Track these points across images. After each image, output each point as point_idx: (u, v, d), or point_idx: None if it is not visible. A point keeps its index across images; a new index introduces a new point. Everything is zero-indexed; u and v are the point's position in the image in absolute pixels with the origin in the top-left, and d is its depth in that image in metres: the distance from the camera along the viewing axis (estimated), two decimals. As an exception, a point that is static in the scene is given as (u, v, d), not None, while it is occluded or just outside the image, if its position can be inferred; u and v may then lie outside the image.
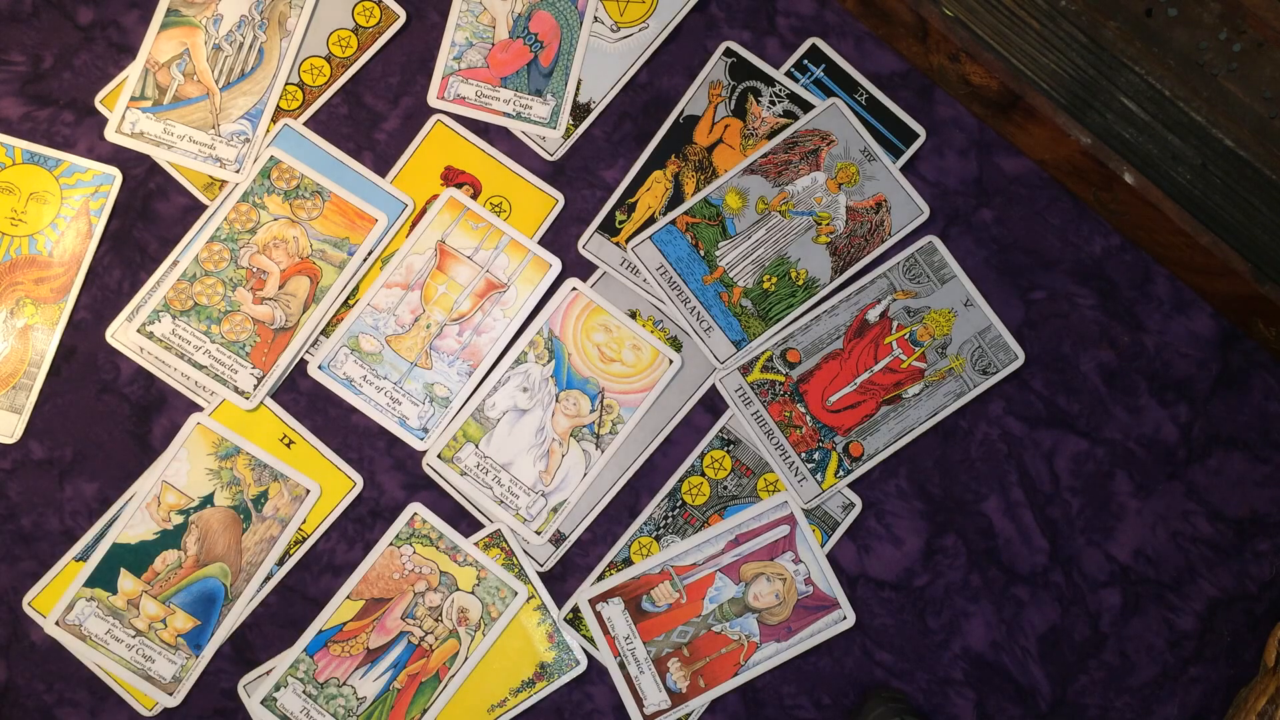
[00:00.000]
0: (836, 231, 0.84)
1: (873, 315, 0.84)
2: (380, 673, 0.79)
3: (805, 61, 0.87)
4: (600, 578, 0.82)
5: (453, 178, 0.86)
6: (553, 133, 0.86)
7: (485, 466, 0.81)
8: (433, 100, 0.85)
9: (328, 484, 0.82)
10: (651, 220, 0.85)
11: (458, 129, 0.86)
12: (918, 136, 0.87)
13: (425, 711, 0.79)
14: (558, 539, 0.83)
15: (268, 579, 0.81)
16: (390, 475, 0.84)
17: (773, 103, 0.86)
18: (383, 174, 0.85)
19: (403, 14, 0.86)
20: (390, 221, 0.83)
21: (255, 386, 0.81)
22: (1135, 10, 0.82)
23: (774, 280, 0.84)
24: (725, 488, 0.83)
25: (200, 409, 0.83)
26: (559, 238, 0.86)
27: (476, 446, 0.81)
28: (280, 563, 0.81)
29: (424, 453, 0.82)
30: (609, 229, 0.85)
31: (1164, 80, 0.82)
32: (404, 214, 0.84)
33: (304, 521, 0.81)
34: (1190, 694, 0.84)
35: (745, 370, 0.83)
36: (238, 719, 0.81)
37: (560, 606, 0.82)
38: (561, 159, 0.87)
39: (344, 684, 0.79)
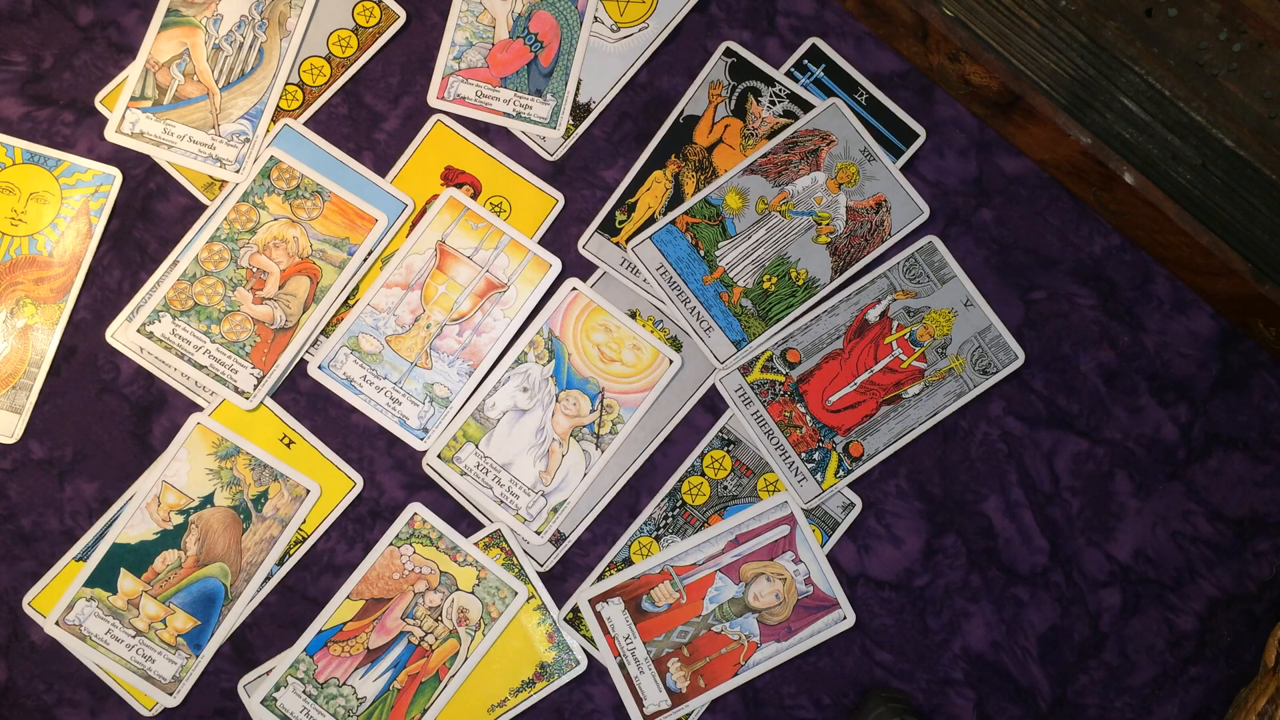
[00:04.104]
0: (836, 231, 0.84)
1: (873, 315, 0.84)
2: (380, 673, 0.79)
3: (805, 61, 0.87)
4: (600, 578, 0.82)
5: (453, 178, 0.86)
6: (553, 133, 0.86)
7: (485, 466, 0.81)
8: (433, 100, 0.85)
9: (328, 484, 0.82)
10: (651, 220, 0.85)
11: (458, 129, 0.86)
12: (918, 136, 0.87)
13: (425, 711, 0.79)
14: (558, 539, 0.83)
15: (268, 579, 0.81)
16: (390, 475, 0.84)
17: (773, 103, 0.86)
18: (383, 174, 0.85)
19: (403, 14, 0.86)
20: (390, 221, 0.83)
21: (255, 386, 0.81)
22: (1135, 10, 0.82)
23: (774, 280, 0.84)
24: (725, 488, 0.83)
25: (200, 409, 0.83)
26: (559, 238, 0.86)
27: (476, 446, 0.81)
28: (280, 563, 0.81)
29: (424, 453, 0.82)
30: (609, 229, 0.85)
31: (1164, 80, 0.82)
32: (404, 214, 0.84)
33: (304, 521, 0.81)
34: (1190, 694, 0.84)
35: (745, 370, 0.83)
36: (238, 719, 0.81)
37: (560, 606, 0.82)
38: (561, 159, 0.87)
39: (344, 684, 0.79)
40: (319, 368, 0.82)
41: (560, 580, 0.83)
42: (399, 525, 0.81)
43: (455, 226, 0.84)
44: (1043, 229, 0.87)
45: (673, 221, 0.84)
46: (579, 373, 0.83)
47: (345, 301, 0.83)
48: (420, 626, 0.80)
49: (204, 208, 0.85)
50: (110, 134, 0.83)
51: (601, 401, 0.82)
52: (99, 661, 0.79)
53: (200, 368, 0.81)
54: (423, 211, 0.85)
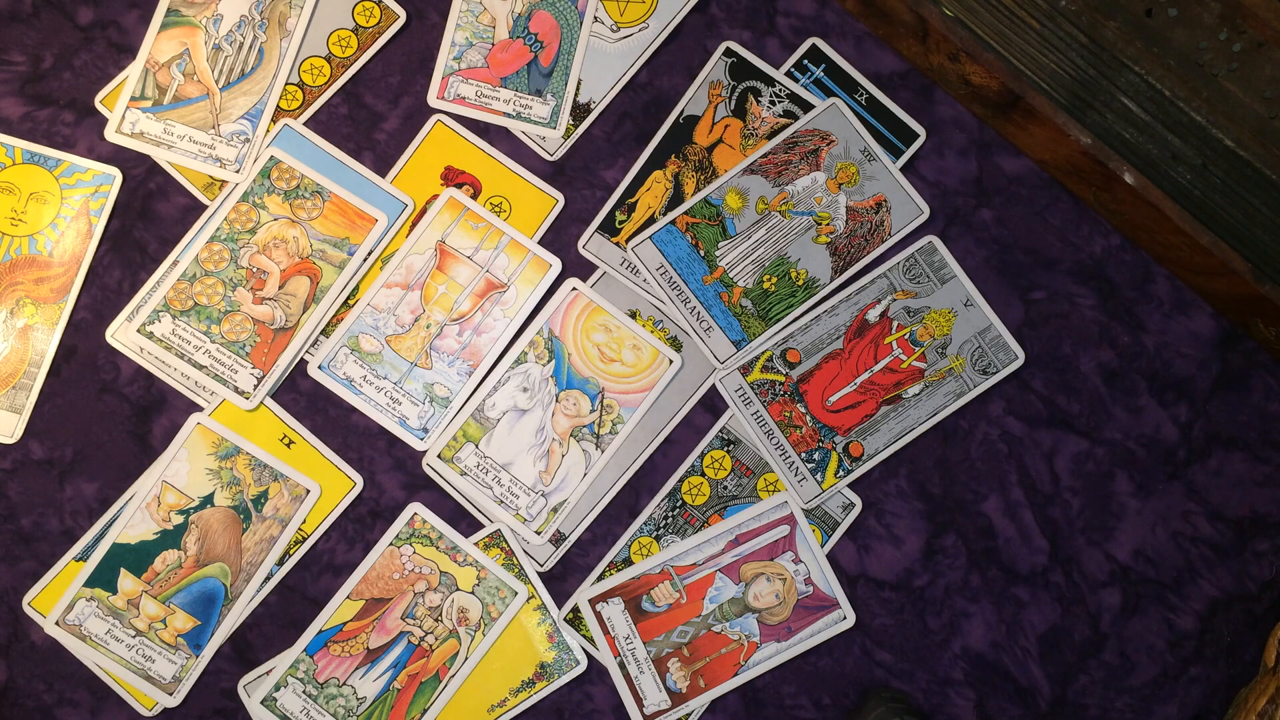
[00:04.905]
0: (836, 231, 0.84)
1: (873, 315, 0.84)
2: (380, 673, 0.79)
3: (805, 61, 0.87)
4: (600, 578, 0.82)
5: (453, 178, 0.86)
6: (553, 133, 0.86)
7: (485, 466, 0.81)
8: (433, 100, 0.85)
9: (328, 484, 0.82)
10: (651, 220, 0.85)
11: (458, 129, 0.86)
12: (918, 136, 0.87)
13: (425, 711, 0.79)
14: (558, 539, 0.83)
15: (268, 579, 0.81)
16: (390, 475, 0.84)
17: (773, 103, 0.86)
18: (383, 174, 0.85)
19: (403, 14, 0.86)
20: (390, 221, 0.83)
21: (255, 386, 0.81)
22: (1135, 10, 0.82)
23: (774, 280, 0.84)
24: (725, 488, 0.83)
25: (200, 409, 0.83)
26: (559, 238, 0.86)
27: (476, 446, 0.81)
28: (280, 563, 0.81)
29: (424, 453, 0.82)
30: (609, 229, 0.85)
31: (1164, 80, 0.82)
32: (404, 214, 0.84)
33: (304, 521, 0.81)
34: (1190, 694, 0.84)
35: (745, 370, 0.83)
36: (238, 719, 0.81)
37: (560, 606, 0.82)
38: (561, 159, 0.87)
39: (344, 684, 0.79)
40: (319, 368, 0.82)
41: (560, 580, 0.83)
42: (399, 525, 0.81)
43: (455, 226, 0.84)
44: (1043, 229, 0.87)
45: (673, 221, 0.84)
46: (579, 373, 0.83)
47: (345, 301, 0.83)
48: (420, 626, 0.80)
49: (204, 208, 0.85)
50: (110, 134, 0.83)
51: (601, 401, 0.82)
52: (99, 661, 0.79)
53: (200, 368, 0.81)
54: (423, 211, 0.85)
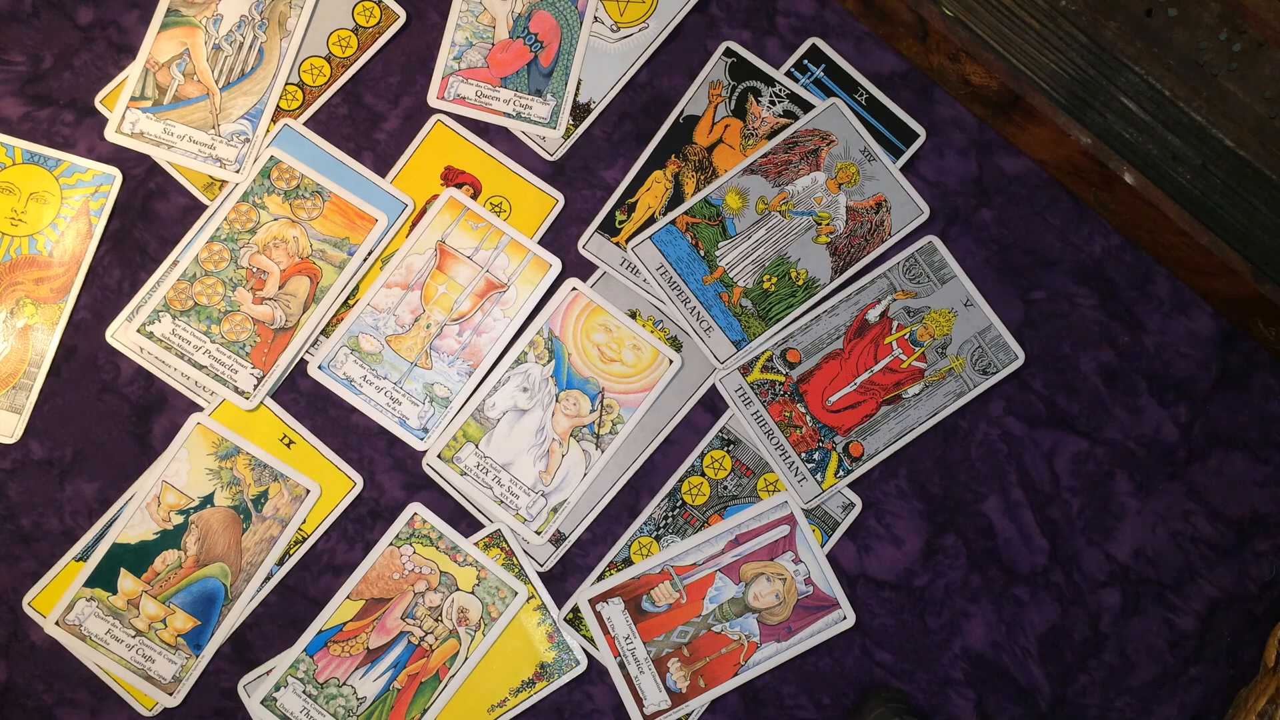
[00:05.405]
0: (836, 231, 0.84)
1: (873, 315, 0.84)
2: (380, 673, 0.79)
3: (805, 61, 0.87)
4: (600, 578, 0.82)
5: (453, 178, 0.86)
6: (553, 133, 0.86)
7: (485, 466, 0.81)
8: (433, 100, 0.85)
9: (328, 484, 0.82)
10: (651, 220, 0.85)
11: (458, 129, 0.86)
12: (918, 136, 0.87)
13: (425, 711, 0.79)
14: (558, 539, 0.83)
15: (268, 579, 0.81)
16: (390, 475, 0.84)
17: (773, 103, 0.86)
18: (383, 174, 0.85)
19: (403, 14, 0.86)
20: (390, 221, 0.83)
21: (255, 386, 0.81)
22: (1135, 10, 0.82)
23: (774, 280, 0.84)
24: (725, 488, 0.83)
25: (200, 409, 0.83)
26: (559, 238, 0.86)
27: (476, 446, 0.81)
28: (280, 563, 0.81)
29: (424, 453, 0.82)
30: (609, 229, 0.85)
31: (1164, 80, 0.82)
32: (404, 214, 0.84)
33: (304, 521, 0.81)
34: (1190, 694, 0.84)
35: (745, 370, 0.83)
36: (238, 719, 0.81)
37: (560, 606, 0.82)
38: (561, 159, 0.87)
39: (344, 684, 0.79)
40: (319, 368, 0.82)
41: (560, 580, 0.83)
42: (399, 525, 0.81)
43: (455, 226, 0.84)
44: (1043, 229, 0.87)
45: (673, 221, 0.84)
46: (579, 373, 0.83)
47: (345, 301, 0.83)
48: (420, 626, 0.80)
49: (204, 208, 0.85)
50: (110, 134, 0.83)
51: (601, 401, 0.82)
52: (99, 661, 0.79)
53: (200, 368, 0.81)
54: (423, 211, 0.85)
